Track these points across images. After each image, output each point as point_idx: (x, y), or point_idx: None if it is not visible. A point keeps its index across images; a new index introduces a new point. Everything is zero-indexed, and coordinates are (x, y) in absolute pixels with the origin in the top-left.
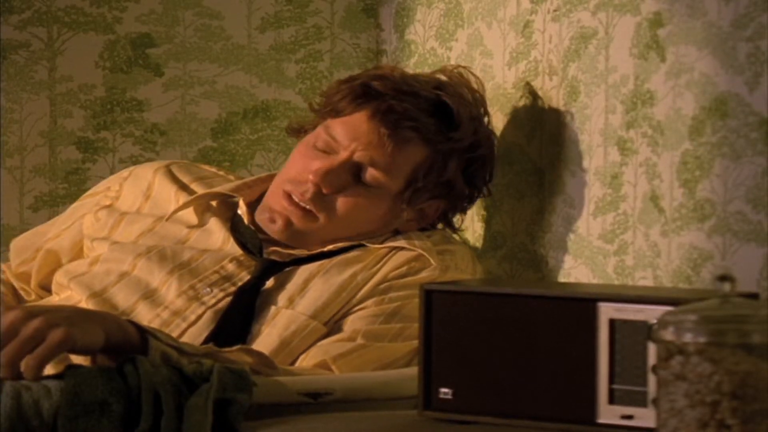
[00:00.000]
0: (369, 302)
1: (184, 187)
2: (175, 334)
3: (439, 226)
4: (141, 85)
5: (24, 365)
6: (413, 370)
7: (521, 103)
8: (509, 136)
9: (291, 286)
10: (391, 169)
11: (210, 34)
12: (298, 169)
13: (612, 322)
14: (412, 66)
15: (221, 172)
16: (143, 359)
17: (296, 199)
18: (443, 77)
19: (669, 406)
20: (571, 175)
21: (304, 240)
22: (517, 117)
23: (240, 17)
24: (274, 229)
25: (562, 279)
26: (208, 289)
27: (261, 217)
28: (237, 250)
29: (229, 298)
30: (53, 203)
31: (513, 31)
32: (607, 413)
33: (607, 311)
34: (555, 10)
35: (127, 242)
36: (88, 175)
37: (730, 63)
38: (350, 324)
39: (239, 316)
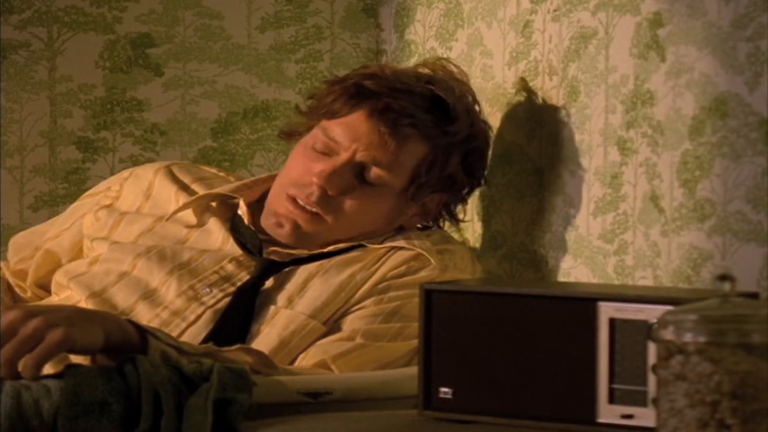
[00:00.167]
0: (368, 302)
1: (184, 188)
2: (174, 334)
3: (444, 224)
4: (141, 85)
5: (22, 365)
6: (413, 370)
7: (521, 103)
8: (509, 136)
9: (290, 286)
10: (395, 167)
11: (210, 34)
12: (300, 171)
13: (612, 322)
14: (412, 66)
15: (222, 173)
16: (143, 359)
17: (302, 203)
18: (428, 71)
19: (669, 406)
20: (570, 174)
21: (311, 241)
22: (517, 117)
23: (240, 17)
24: (282, 234)
25: (562, 279)
26: (208, 290)
27: (267, 222)
28: (236, 251)
29: (228, 299)
30: (53, 203)
31: (513, 31)
32: (607, 413)
33: (607, 311)
34: (555, 10)
35: (127, 242)
36: (88, 175)
37: (730, 63)
38: (349, 323)
39: (239, 316)
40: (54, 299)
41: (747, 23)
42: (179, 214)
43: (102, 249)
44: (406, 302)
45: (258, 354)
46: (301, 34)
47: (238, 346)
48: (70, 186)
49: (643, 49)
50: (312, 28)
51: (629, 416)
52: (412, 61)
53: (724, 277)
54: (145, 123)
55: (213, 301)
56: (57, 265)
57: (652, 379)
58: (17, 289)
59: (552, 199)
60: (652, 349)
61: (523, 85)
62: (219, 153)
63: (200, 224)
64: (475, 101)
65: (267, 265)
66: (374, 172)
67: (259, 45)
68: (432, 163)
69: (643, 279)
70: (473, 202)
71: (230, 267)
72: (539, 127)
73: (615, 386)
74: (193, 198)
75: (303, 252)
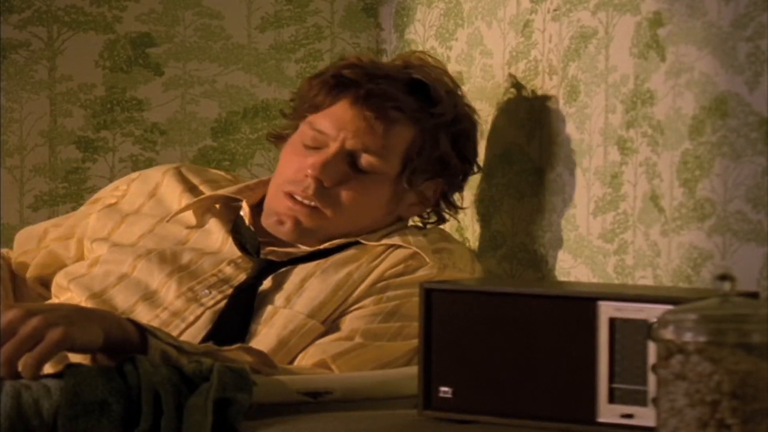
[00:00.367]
0: (367, 301)
1: (192, 189)
2: (174, 334)
3: (445, 221)
4: (141, 85)
5: (22, 364)
6: (413, 370)
7: (521, 103)
8: (509, 136)
9: (288, 286)
10: (385, 152)
11: (210, 33)
12: (294, 168)
13: (612, 321)
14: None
15: (229, 176)
16: (143, 359)
17: (300, 198)
18: (400, 62)
19: (669, 406)
20: (571, 174)
21: (313, 237)
22: (517, 117)
23: (240, 17)
24: (284, 231)
25: (562, 278)
26: (207, 291)
27: (268, 221)
28: (235, 252)
29: (226, 300)
30: (53, 203)
31: (513, 31)
32: (607, 412)
33: (607, 310)
34: (555, 10)
35: (128, 243)
36: (88, 175)
37: (730, 63)
38: (348, 323)
39: (237, 316)
40: (54, 302)
41: (747, 23)
42: (180, 216)
43: (102, 250)
44: (405, 302)
45: (258, 353)
46: (301, 33)
47: (238, 345)
48: (70, 185)
49: (643, 49)
50: (312, 27)
51: (629, 416)
52: None
53: (724, 277)
54: (145, 122)
55: (212, 302)
56: (59, 267)
57: (652, 378)
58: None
59: (552, 199)
60: (652, 348)
61: (513, 83)
62: (219, 152)
63: (200, 225)
64: (456, 85)
65: (264, 265)
66: (366, 158)
67: (259, 45)
68: (422, 145)
69: (643, 278)
70: (473, 201)
71: (228, 269)
72: (539, 127)
73: (615, 386)
74: (194, 200)
75: (300, 251)
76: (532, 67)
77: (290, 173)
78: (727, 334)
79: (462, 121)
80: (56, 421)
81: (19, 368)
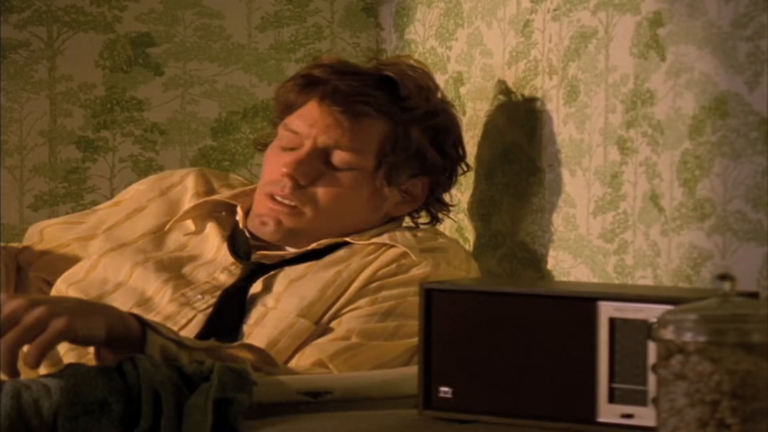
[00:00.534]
0: (362, 302)
1: (208, 192)
2: None
3: (439, 220)
4: (141, 85)
5: (25, 353)
6: (413, 369)
7: (521, 103)
8: (509, 136)
9: (278, 287)
10: (356, 147)
11: (210, 33)
12: (273, 170)
13: (612, 321)
14: None
15: (246, 182)
16: (143, 358)
17: (280, 198)
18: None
19: (669, 405)
20: (570, 174)
21: (299, 239)
22: (517, 117)
23: (240, 16)
24: (266, 232)
25: (562, 278)
26: (200, 296)
27: (252, 223)
28: (229, 259)
29: (215, 302)
30: (53, 202)
31: (513, 31)
32: (607, 412)
33: (607, 310)
34: (555, 10)
35: (127, 247)
36: (88, 174)
37: (730, 62)
38: (345, 323)
39: (228, 319)
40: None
41: (747, 23)
42: (184, 218)
43: (103, 247)
44: (401, 301)
45: (260, 351)
46: (301, 33)
47: (240, 342)
48: (70, 185)
49: (643, 49)
50: (312, 27)
51: (629, 416)
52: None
53: (724, 277)
54: (145, 122)
55: (204, 306)
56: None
57: (652, 378)
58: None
59: (552, 199)
60: (652, 348)
61: (513, 83)
62: (219, 152)
63: (199, 231)
64: (437, 86)
65: (255, 268)
66: (338, 155)
67: (259, 44)
68: (394, 140)
69: (643, 278)
70: (473, 202)
71: (222, 277)
72: (539, 127)
73: (615, 386)
74: (191, 206)
75: (290, 253)
76: (532, 67)
77: (270, 175)
78: (727, 333)
79: (438, 115)
80: (56, 421)
81: (22, 357)
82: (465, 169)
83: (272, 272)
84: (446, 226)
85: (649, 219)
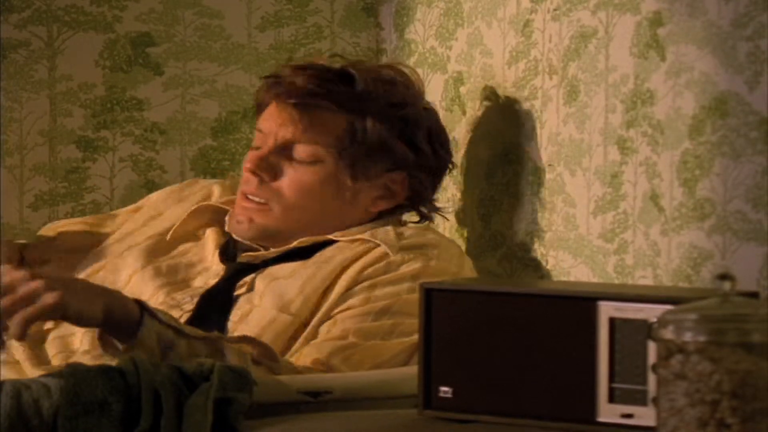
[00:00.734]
0: (354, 301)
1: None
2: None
3: (428, 218)
4: (141, 84)
5: (12, 321)
6: (413, 369)
7: (521, 103)
8: (509, 136)
9: (260, 286)
10: (314, 139)
11: (210, 33)
12: (244, 170)
13: (612, 321)
14: (411, 65)
15: None
16: (143, 358)
17: (250, 197)
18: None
19: (669, 405)
20: (570, 174)
21: (276, 237)
22: (517, 117)
23: (240, 16)
24: (240, 231)
25: (562, 278)
26: (189, 298)
27: (230, 224)
28: (220, 267)
29: (196, 303)
30: (53, 202)
31: (513, 30)
32: (607, 412)
33: (607, 310)
34: (555, 9)
35: (133, 248)
36: (88, 174)
37: (730, 62)
38: (340, 324)
39: (212, 318)
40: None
41: (747, 22)
42: (185, 225)
43: (115, 250)
44: (395, 300)
45: (261, 345)
46: (301, 33)
47: (242, 335)
48: (70, 185)
49: (643, 49)
50: (312, 27)
51: (629, 415)
52: (412, 60)
53: (724, 277)
54: (145, 122)
55: (191, 306)
56: (95, 238)
57: (652, 378)
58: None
59: (552, 199)
60: (652, 348)
61: (513, 83)
62: (219, 152)
63: (200, 238)
64: (407, 79)
65: (239, 268)
66: (298, 149)
67: (259, 44)
68: (353, 131)
69: (643, 278)
70: (473, 202)
71: (213, 282)
72: (539, 127)
73: (615, 385)
74: (187, 214)
75: (273, 252)
76: (532, 66)
77: (244, 176)
78: (727, 333)
79: (402, 107)
80: (56, 420)
81: (8, 324)
82: (450, 167)
83: (256, 272)
84: (446, 226)
85: (649, 219)
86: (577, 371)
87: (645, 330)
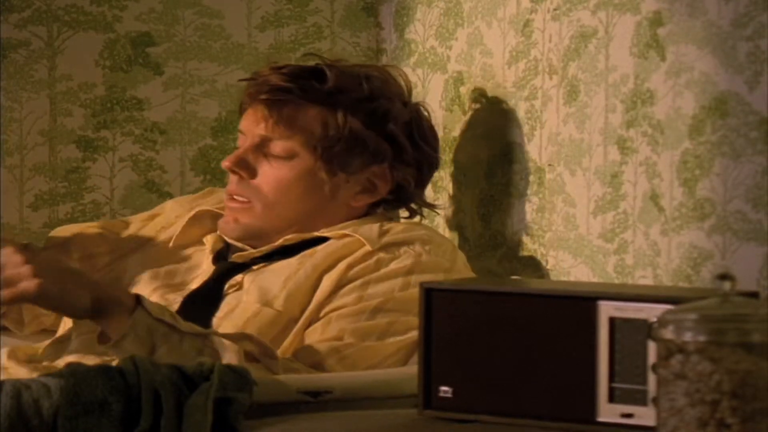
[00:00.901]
0: (347, 300)
1: None
2: None
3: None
4: (141, 84)
5: None
6: (413, 369)
7: (521, 103)
8: (509, 136)
9: (247, 283)
10: (287, 134)
11: (210, 32)
12: None
13: (612, 321)
14: (411, 65)
15: None
16: (143, 358)
17: (235, 196)
18: None
19: (669, 405)
20: (570, 174)
21: (261, 235)
22: (517, 117)
23: (240, 16)
24: (228, 230)
25: (562, 278)
26: (180, 299)
27: (219, 224)
28: (212, 267)
29: (180, 302)
30: (53, 202)
31: (513, 30)
32: (607, 412)
33: (607, 310)
34: (555, 9)
35: (138, 254)
36: (88, 174)
37: (730, 62)
38: (335, 324)
39: (198, 316)
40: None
41: (747, 22)
42: (188, 233)
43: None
44: (389, 297)
45: (260, 343)
46: (301, 33)
47: (240, 332)
48: (69, 185)
49: (643, 49)
50: (312, 27)
51: (629, 415)
52: (412, 60)
53: (724, 277)
54: (145, 122)
55: (178, 306)
56: (112, 237)
57: (652, 378)
58: None
59: (552, 199)
60: (652, 348)
61: (513, 82)
62: (219, 152)
63: (203, 243)
64: (383, 75)
65: (230, 267)
66: (273, 145)
67: (259, 44)
68: (324, 125)
69: (643, 278)
70: (473, 201)
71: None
72: (539, 126)
73: (615, 385)
74: (184, 221)
75: (260, 251)
76: (532, 66)
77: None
78: (727, 333)
79: (373, 101)
80: (56, 420)
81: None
82: (436, 163)
83: (245, 272)
84: (447, 226)
85: (649, 219)
86: (577, 371)
87: (645, 330)
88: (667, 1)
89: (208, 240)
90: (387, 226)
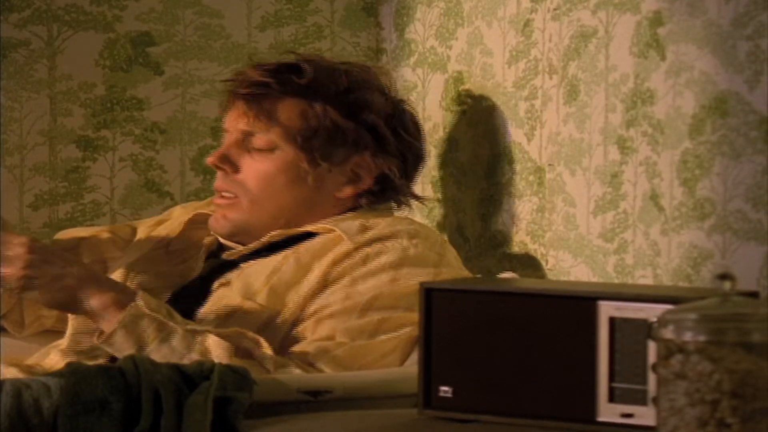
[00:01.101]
0: (336, 297)
1: None
2: None
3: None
4: (141, 84)
5: None
6: (413, 369)
7: (521, 102)
8: (509, 136)
9: (233, 278)
10: (267, 127)
11: (210, 32)
12: None
13: (612, 321)
14: (411, 65)
15: None
16: (143, 358)
17: (222, 193)
18: None
19: (669, 405)
20: (571, 173)
21: (249, 232)
22: (516, 116)
23: (240, 16)
24: (217, 228)
25: (562, 278)
26: (170, 296)
27: (210, 222)
28: (202, 265)
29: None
30: (53, 202)
31: (513, 30)
32: (607, 411)
33: (607, 309)
34: (555, 9)
35: (134, 254)
36: (88, 174)
37: (730, 62)
38: (327, 324)
39: (184, 310)
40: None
41: (747, 22)
42: (187, 236)
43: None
44: (378, 294)
45: (254, 340)
46: (301, 33)
47: (236, 329)
48: (70, 185)
49: (643, 48)
50: (312, 27)
51: (629, 415)
52: (412, 60)
53: (724, 276)
54: (145, 122)
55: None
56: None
57: (652, 377)
58: None
59: (552, 199)
60: (652, 347)
61: (513, 82)
62: None
63: (198, 242)
64: (364, 70)
65: (221, 263)
66: (255, 139)
67: (259, 44)
68: (304, 116)
69: (643, 278)
70: (473, 201)
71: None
72: (539, 126)
73: (615, 385)
74: (182, 225)
75: (249, 248)
76: (532, 66)
77: None
78: (727, 333)
79: (352, 92)
80: (56, 419)
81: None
82: (422, 156)
83: (233, 268)
84: (446, 226)
85: (649, 218)
86: (577, 371)
87: (645, 330)
88: (667, 1)
89: (206, 241)
90: (372, 221)
